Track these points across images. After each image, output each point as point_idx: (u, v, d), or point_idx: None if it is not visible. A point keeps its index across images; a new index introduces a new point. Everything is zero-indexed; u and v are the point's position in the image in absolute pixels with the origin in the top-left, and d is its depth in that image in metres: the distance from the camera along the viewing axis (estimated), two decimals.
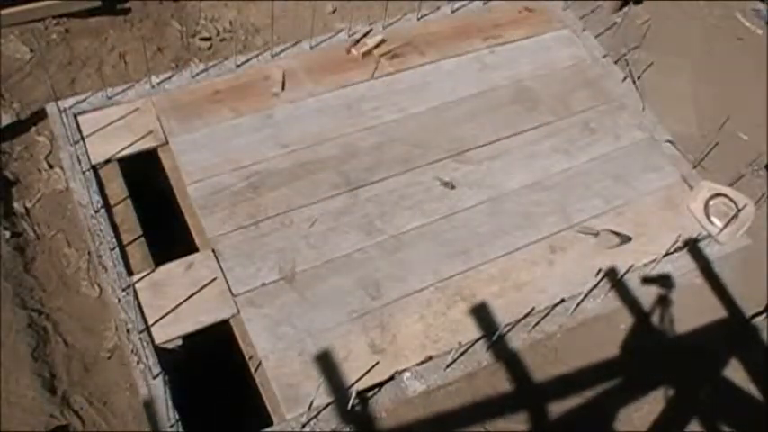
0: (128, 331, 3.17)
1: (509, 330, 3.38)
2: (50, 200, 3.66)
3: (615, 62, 4.47)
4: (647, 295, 3.61)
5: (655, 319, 3.56)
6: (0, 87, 3.91)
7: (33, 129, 3.84)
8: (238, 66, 4.10)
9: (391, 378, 3.22)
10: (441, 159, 3.91)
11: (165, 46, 4.23)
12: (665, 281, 3.65)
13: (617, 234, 3.70)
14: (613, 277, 3.56)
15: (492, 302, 3.47)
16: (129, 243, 3.49)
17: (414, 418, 3.16)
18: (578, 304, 3.44)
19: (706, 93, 4.46)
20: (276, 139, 3.85)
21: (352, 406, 3.08)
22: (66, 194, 3.64)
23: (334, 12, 4.55)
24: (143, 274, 3.31)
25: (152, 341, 3.15)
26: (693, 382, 3.41)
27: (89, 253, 3.49)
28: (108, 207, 3.55)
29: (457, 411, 3.20)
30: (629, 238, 3.70)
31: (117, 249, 3.37)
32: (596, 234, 3.70)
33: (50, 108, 3.77)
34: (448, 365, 3.24)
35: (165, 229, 3.67)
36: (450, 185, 3.76)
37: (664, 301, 3.61)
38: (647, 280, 3.62)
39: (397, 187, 3.77)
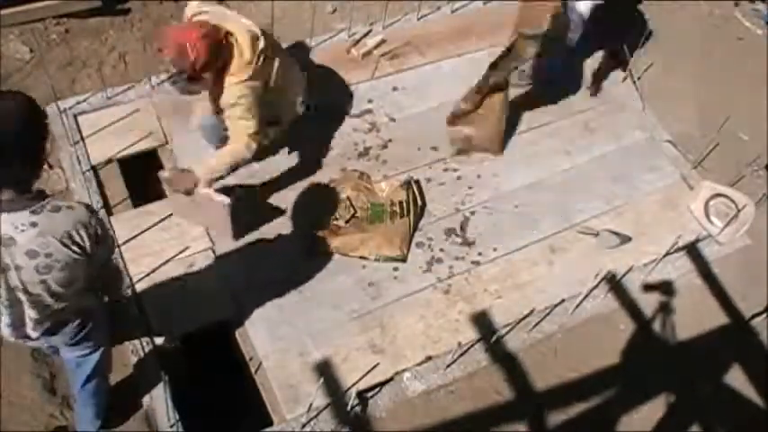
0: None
1: (509, 330, 3.38)
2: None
3: None
4: (646, 295, 3.61)
5: (654, 319, 3.56)
6: (0, 87, 3.91)
7: None
8: None
9: (391, 378, 3.22)
10: (441, 159, 3.91)
11: None
12: (664, 281, 3.64)
13: (617, 234, 3.70)
14: (613, 277, 3.56)
15: (492, 302, 3.47)
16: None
17: (414, 418, 3.16)
18: (578, 304, 3.44)
19: (706, 93, 4.46)
20: None
21: (352, 406, 3.08)
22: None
23: (334, 12, 4.55)
24: (143, 275, 3.31)
25: (152, 341, 3.15)
26: (693, 382, 3.41)
27: None
28: (108, 207, 3.55)
29: (457, 412, 3.20)
30: (629, 238, 3.71)
31: (117, 249, 3.37)
32: (596, 234, 3.70)
33: (50, 108, 3.76)
34: (448, 365, 3.24)
35: None
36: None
37: (663, 302, 3.61)
38: (646, 280, 3.62)
39: None
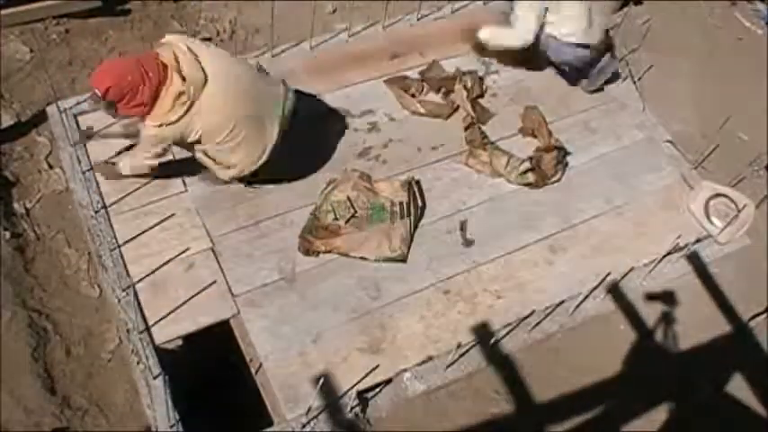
0: (128, 331, 3.17)
1: (509, 331, 3.38)
2: (50, 200, 3.66)
3: None
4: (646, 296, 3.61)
5: (654, 320, 3.56)
6: (0, 87, 3.91)
7: (33, 129, 3.84)
8: None
9: (391, 379, 3.22)
10: (441, 159, 3.91)
11: None
12: (666, 290, 3.63)
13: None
14: (613, 277, 3.56)
15: (492, 302, 3.47)
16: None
17: (414, 418, 3.16)
18: (578, 304, 3.44)
19: (706, 93, 4.46)
20: None
21: (353, 407, 3.08)
22: (66, 195, 3.64)
23: (334, 12, 4.55)
24: (143, 275, 3.31)
25: (152, 341, 3.15)
26: (694, 383, 3.41)
27: (89, 253, 3.49)
28: (107, 207, 3.54)
29: (457, 412, 3.20)
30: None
31: (117, 250, 3.37)
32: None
33: (50, 108, 3.77)
34: (448, 366, 3.24)
35: None
36: None
37: (663, 302, 3.61)
38: (648, 289, 3.61)
39: None
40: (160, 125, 3.14)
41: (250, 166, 3.42)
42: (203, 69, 3.14)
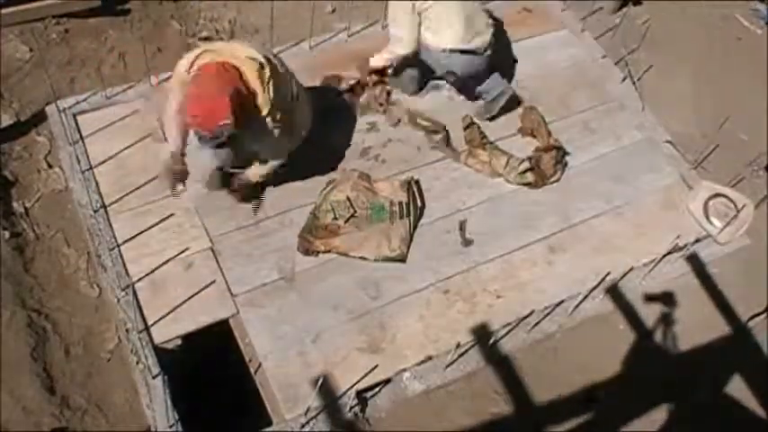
0: (127, 331, 3.17)
1: (509, 331, 3.38)
2: (50, 200, 3.66)
3: (616, 63, 4.46)
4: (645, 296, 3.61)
5: (653, 320, 3.56)
6: (0, 87, 3.91)
7: (33, 129, 3.84)
8: None
9: (391, 378, 3.22)
10: (440, 159, 3.91)
11: (164, 46, 4.23)
12: (665, 292, 3.63)
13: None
14: (613, 277, 3.56)
15: (492, 302, 3.47)
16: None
17: (413, 418, 3.16)
18: (578, 304, 3.44)
19: (706, 93, 4.46)
20: None
21: (352, 406, 3.08)
22: (66, 194, 3.64)
23: (333, 12, 4.55)
24: (143, 274, 3.31)
25: (151, 341, 3.15)
26: (693, 383, 3.41)
27: (88, 253, 3.49)
28: (107, 207, 3.54)
29: (456, 412, 3.20)
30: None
31: (116, 249, 3.37)
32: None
33: (50, 108, 3.77)
34: (447, 365, 3.24)
35: None
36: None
37: (663, 302, 3.61)
38: (647, 290, 3.61)
39: None
40: (267, 114, 3.02)
41: (307, 126, 3.47)
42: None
